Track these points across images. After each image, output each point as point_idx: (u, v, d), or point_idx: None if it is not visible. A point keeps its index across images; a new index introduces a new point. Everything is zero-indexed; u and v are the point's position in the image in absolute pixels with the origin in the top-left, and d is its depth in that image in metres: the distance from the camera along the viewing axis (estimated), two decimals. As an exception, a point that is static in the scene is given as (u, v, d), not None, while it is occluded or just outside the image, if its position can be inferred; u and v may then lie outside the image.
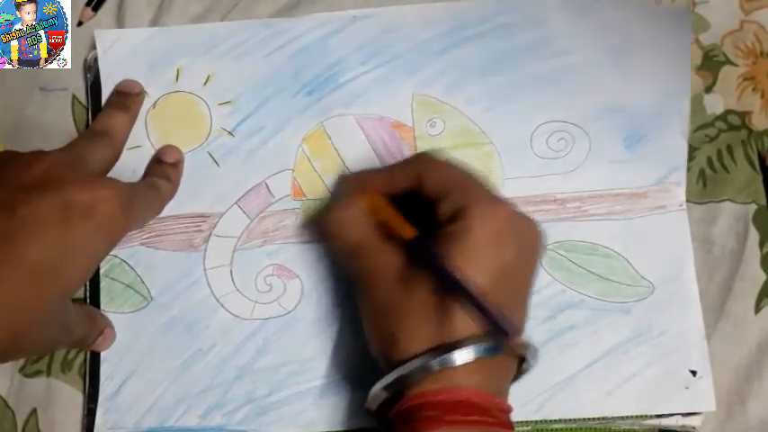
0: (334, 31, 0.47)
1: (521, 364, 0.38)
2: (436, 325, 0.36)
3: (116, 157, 0.44)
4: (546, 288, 0.44)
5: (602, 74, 0.46)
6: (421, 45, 0.47)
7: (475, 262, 0.36)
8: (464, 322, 0.36)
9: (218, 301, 0.45)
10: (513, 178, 0.45)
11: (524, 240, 0.38)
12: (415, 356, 0.36)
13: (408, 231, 0.38)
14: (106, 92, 0.47)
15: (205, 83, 0.47)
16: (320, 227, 0.44)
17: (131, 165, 0.46)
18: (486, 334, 0.35)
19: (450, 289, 0.36)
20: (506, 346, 0.36)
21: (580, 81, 0.46)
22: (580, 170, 0.45)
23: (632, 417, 0.43)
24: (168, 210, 0.45)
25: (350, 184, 0.43)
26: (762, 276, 0.44)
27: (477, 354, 0.35)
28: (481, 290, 0.35)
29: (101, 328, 0.44)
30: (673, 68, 0.46)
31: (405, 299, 0.37)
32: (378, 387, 0.37)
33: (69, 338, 0.41)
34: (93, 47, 0.47)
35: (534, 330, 0.43)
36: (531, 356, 0.38)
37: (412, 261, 0.38)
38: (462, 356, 0.35)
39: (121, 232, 0.38)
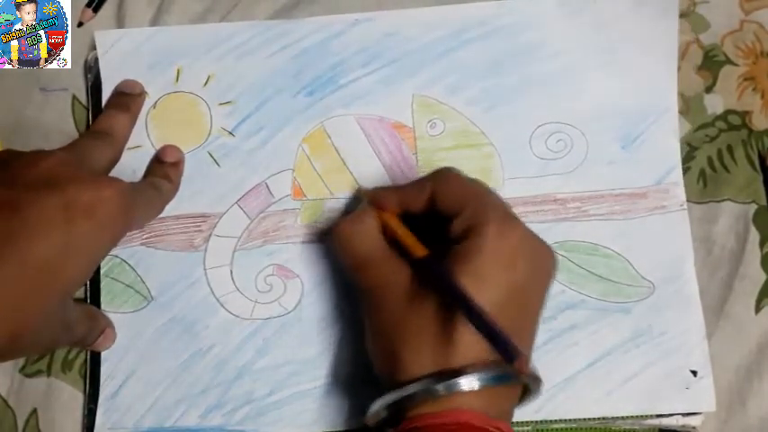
0: (335, 33, 0.47)
1: (525, 389, 0.38)
2: (442, 347, 0.35)
3: (117, 157, 0.45)
4: (546, 288, 0.44)
5: (595, 74, 0.46)
6: (421, 48, 0.47)
7: (485, 283, 0.36)
8: (470, 345, 0.35)
9: (218, 301, 0.45)
10: (513, 178, 0.45)
11: (537, 263, 0.38)
12: (419, 378, 0.35)
13: (420, 250, 0.38)
14: (106, 92, 0.47)
15: (205, 83, 0.47)
16: (331, 239, 0.43)
17: (132, 165, 0.46)
18: (493, 359, 0.35)
19: (460, 310, 0.35)
20: (513, 375, 0.35)
21: (576, 82, 0.46)
22: (580, 171, 0.45)
23: (633, 417, 0.43)
24: (168, 210, 0.45)
25: (365, 200, 0.42)
26: (762, 276, 0.44)
27: (484, 382, 0.34)
28: (490, 312, 0.34)
29: (102, 328, 0.44)
30: (659, 65, 0.46)
31: (411, 318, 0.37)
32: (378, 405, 0.37)
33: (70, 337, 0.41)
34: (94, 47, 0.47)
35: (534, 330, 0.44)
36: (535, 386, 0.37)
37: (421, 280, 0.37)
38: (469, 383, 0.34)
39: (122, 232, 0.38)
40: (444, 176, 0.40)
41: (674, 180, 0.45)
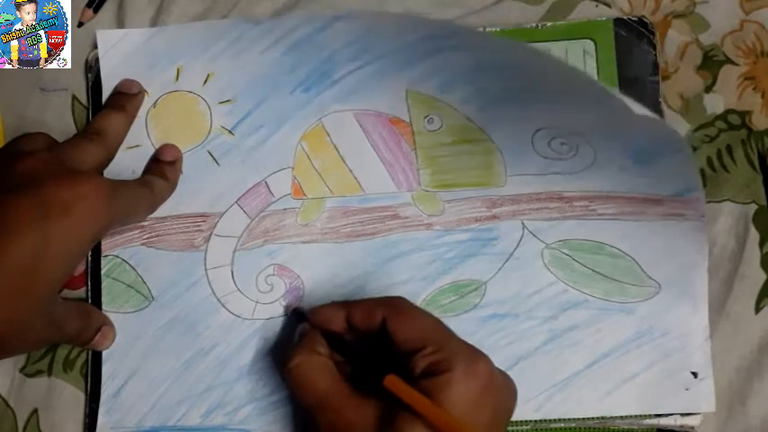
0: (319, 28, 0.45)
1: None
2: None
3: (109, 157, 0.44)
4: (548, 287, 0.44)
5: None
6: (407, 46, 0.44)
7: None
8: None
9: (219, 301, 0.45)
10: (516, 175, 0.45)
11: (501, 401, 0.36)
12: None
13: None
14: (107, 92, 0.47)
15: (205, 82, 0.47)
16: (283, 374, 0.40)
17: (131, 164, 0.46)
18: None
19: None
20: None
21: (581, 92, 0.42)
22: (587, 173, 0.44)
23: (631, 417, 0.43)
24: (168, 209, 0.45)
25: (301, 327, 0.41)
26: (762, 276, 0.44)
27: None
28: None
29: (97, 325, 0.44)
30: None
31: None
32: None
33: (60, 335, 0.41)
34: (94, 47, 0.47)
35: (535, 330, 0.44)
36: None
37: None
38: None
39: (103, 229, 0.38)
40: (398, 309, 0.38)
41: (696, 197, 0.43)
